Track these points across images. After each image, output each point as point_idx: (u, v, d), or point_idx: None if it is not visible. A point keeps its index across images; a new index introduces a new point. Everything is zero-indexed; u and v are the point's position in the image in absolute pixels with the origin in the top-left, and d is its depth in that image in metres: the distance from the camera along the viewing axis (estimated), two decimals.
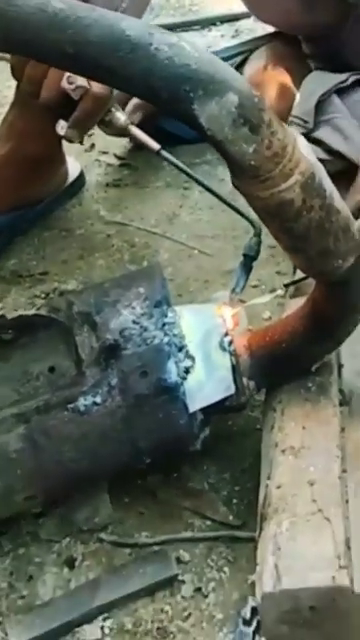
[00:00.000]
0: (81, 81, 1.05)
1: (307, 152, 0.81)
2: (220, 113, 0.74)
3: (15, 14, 0.73)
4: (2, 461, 0.88)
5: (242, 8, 1.70)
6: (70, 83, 1.06)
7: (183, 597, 0.91)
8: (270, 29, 1.66)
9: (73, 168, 1.50)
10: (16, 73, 1.18)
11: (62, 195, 1.48)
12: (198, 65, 0.74)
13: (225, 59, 1.60)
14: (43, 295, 1.29)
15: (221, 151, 0.77)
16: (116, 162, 1.58)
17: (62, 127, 1.11)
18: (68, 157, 1.47)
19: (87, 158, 1.58)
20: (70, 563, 0.94)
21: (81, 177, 1.52)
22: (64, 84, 1.07)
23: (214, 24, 2.06)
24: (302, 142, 0.81)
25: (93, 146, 1.59)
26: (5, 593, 0.92)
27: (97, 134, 1.13)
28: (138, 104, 1.43)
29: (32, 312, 0.93)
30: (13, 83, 1.23)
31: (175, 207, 1.46)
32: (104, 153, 1.60)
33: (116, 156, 1.58)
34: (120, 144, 1.58)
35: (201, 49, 0.76)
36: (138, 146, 1.16)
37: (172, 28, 2.02)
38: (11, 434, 0.88)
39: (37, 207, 1.43)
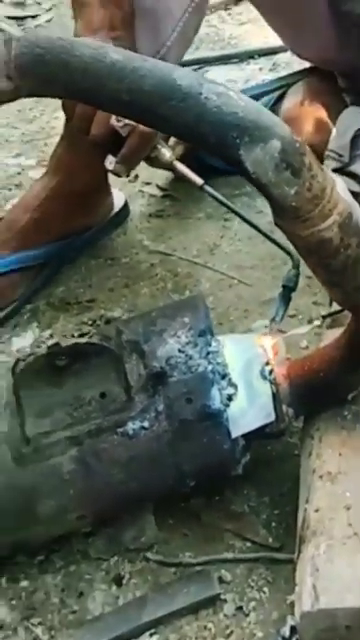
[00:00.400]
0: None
1: (344, 193, 0.85)
2: (264, 158, 0.79)
3: (76, 64, 0.78)
4: (56, 481, 0.93)
5: (279, 42, 1.73)
6: (118, 121, 1.11)
7: (225, 615, 0.94)
8: (307, 64, 1.69)
9: (118, 199, 1.53)
10: (67, 110, 1.23)
11: (108, 225, 1.51)
12: (244, 113, 0.78)
13: (264, 94, 1.65)
14: (90, 322, 1.32)
15: (265, 193, 0.81)
16: (159, 193, 1.61)
17: (110, 162, 1.16)
18: (113, 188, 1.51)
19: (131, 189, 1.61)
20: (118, 581, 0.97)
21: (126, 207, 1.55)
22: (113, 122, 1.11)
23: (252, 57, 2.07)
24: (339, 183, 0.85)
25: (137, 177, 1.62)
26: (57, 608, 0.96)
27: (140, 166, 1.18)
28: None
29: (85, 340, 0.97)
30: (60, 114, 1.27)
31: (216, 238, 1.49)
32: (147, 184, 1.63)
33: (159, 187, 1.62)
34: (163, 175, 1.61)
35: (246, 98, 0.80)
36: (180, 178, 1.19)
37: (211, 61, 2.06)
38: (65, 456, 0.93)
39: (84, 236, 1.47)
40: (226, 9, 2.29)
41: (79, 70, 0.78)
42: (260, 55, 2.07)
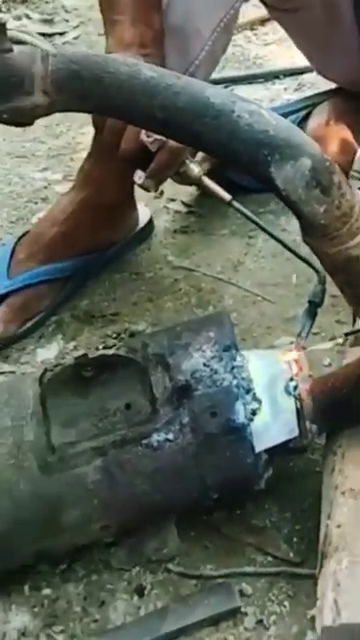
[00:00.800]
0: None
1: None
2: (295, 176, 0.80)
3: (110, 80, 0.80)
4: (81, 491, 0.93)
5: (305, 62, 1.74)
6: (148, 136, 1.12)
7: (246, 628, 0.94)
8: (332, 84, 1.71)
9: (143, 214, 1.54)
10: (97, 125, 1.24)
11: (133, 240, 1.52)
12: (276, 131, 0.80)
13: (290, 113, 1.66)
14: (114, 335, 1.33)
15: (294, 210, 0.83)
16: (184, 209, 1.62)
17: (140, 177, 1.17)
18: (138, 203, 1.52)
19: (156, 205, 1.62)
20: (140, 591, 0.98)
21: (151, 223, 1.56)
22: (143, 137, 1.12)
23: (277, 77, 2.08)
24: None
25: (162, 193, 1.63)
26: (79, 617, 0.96)
27: (166, 182, 1.19)
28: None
29: (112, 352, 0.98)
30: (87, 130, 1.28)
31: (240, 255, 1.50)
32: (172, 200, 1.64)
33: (184, 203, 1.62)
34: (187, 192, 1.62)
35: (277, 116, 0.82)
36: (205, 194, 1.20)
37: (237, 81, 2.07)
38: (90, 466, 0.93)
39: (109, 251, 1.48)
40: (252, 29, 2.30)
41: (113, 86, 0.80)
42: (285, 75, 2.08)
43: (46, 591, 0.99)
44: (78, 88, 0.80)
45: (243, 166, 0.81)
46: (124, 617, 0.96)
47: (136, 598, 0.98)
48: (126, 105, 0.81)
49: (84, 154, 1.46)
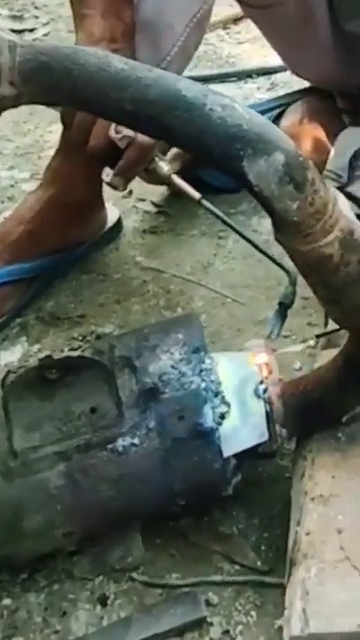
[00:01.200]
0: (127, 131, 1.09)
1: (346, 210, 0.84)
2: (268, 171, 0.78)
3: (79, 72, 0.77)
4: (43, 496, 0.91)
5: (278, 61, 1.73)
6: (117, 132, 1.10)
7: (211, 639, 0.92)
8: (306, 83, 1.70)
9: (112, 214, 1.52)
10: (65, 121, 1.22)
11: (100, 240, 1.50)
12: (249, 125, 0.78)
13: (263, 112, 1.65)
14: (80, 337, 1.31)
15: (267, 207, 0.80)
16: (153, 209, 1.60)
17: (108, 174, 1.15)
18: (107, 203, 1.50)
19: (125, 204, 1.60)
20: (103, 601, 0.96)
21: (119, 223, 1.54)
22: (111, 133, 1.10)
23: (250, 76, 2.07)
24: (342, 200, 0.84)
25: (131, 193, 1.61)
26: (39, 627, 0.94)
27: (135, 181, 1.17)
28: (177, 153, 1.45)
29: (77, 353, 0.96)
30: (55, 128, 1.25)
31: (210, 256, 1.48)
32: (141, 200, 1.62)
33: (153, 203, 1.61)
34: (157, 192, 1.60)
35: (251, 110, 0.79)
36: (175, 194, 1.18)
37: (209, 79, 2.05)
38: (53, 471, 0.91)
39: (76, 251, 1.45)
40: (225, 28, 2.30)
41: (83, 78, 0.77)
42: (258, 74, 2.08)
43: (6, 601, 0.96)
44: (46, 79, 0.78)
45: (215, 160, 0.79)
46: (86, 628, 0.94)
47: (99, 608, 0.95)
48: (95, 97, 0.78)
49: (52, 152, 1.44)
